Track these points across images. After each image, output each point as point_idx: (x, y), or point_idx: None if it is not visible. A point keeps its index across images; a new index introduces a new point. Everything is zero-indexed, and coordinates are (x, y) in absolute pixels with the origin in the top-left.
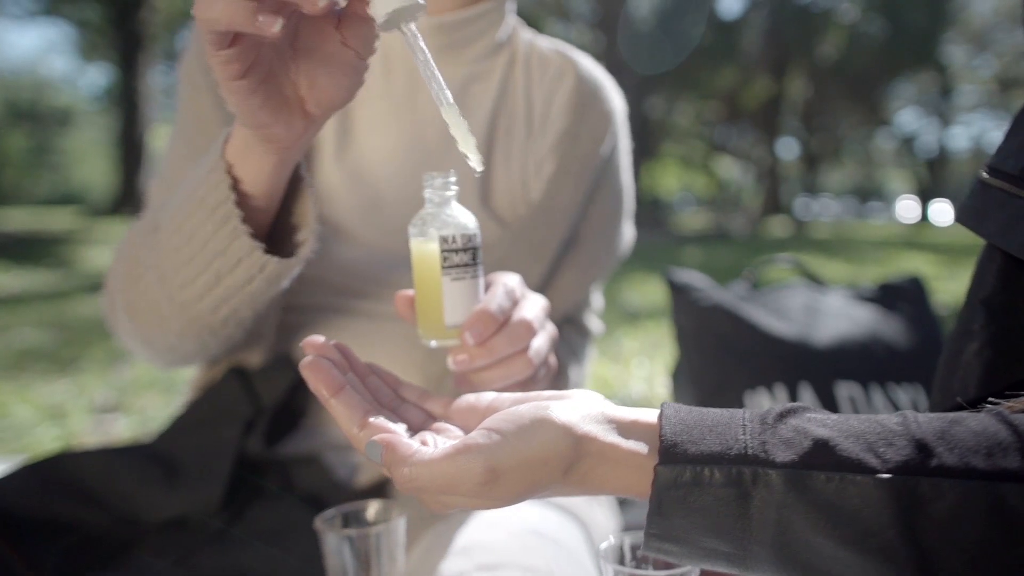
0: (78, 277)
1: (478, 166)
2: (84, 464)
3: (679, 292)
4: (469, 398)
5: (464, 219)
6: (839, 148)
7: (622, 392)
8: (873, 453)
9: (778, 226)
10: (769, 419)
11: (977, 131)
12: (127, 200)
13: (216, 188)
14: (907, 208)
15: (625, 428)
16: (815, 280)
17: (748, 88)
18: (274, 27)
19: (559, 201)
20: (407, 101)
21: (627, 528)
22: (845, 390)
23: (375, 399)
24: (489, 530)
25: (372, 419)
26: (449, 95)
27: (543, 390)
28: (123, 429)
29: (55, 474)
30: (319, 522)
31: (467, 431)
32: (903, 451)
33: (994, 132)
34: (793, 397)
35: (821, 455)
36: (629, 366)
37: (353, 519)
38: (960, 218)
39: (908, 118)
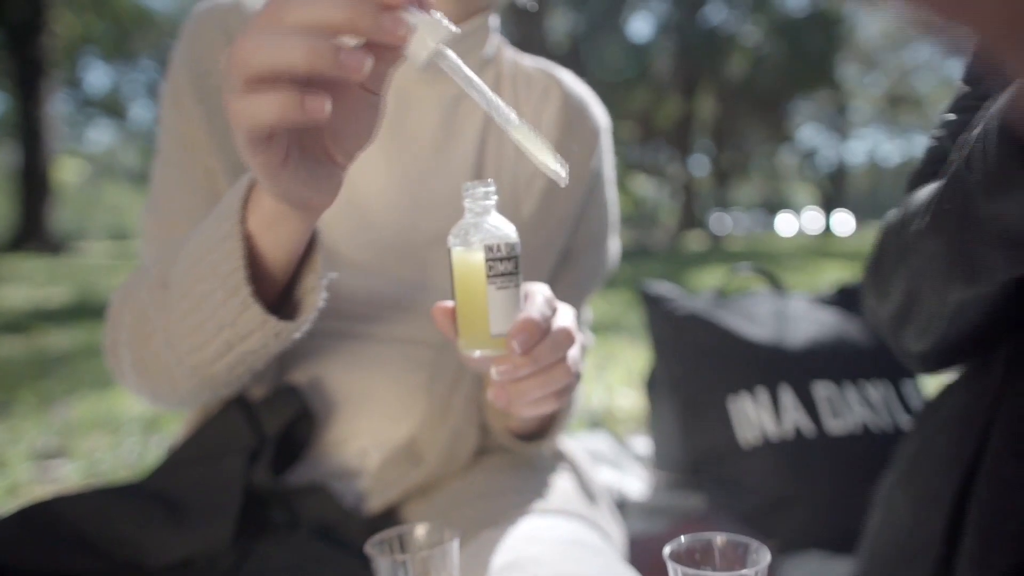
0: None
1: (562, 174)
2: (77, 508)
3: (654, 303)
4: None
5: (506, 228)
6: (747, 163)
7: (584, 405)
8: None
9: (695, 240)
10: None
11: (871, 145)
12: (31, 235)
13: (228, 257)
14: (811, 219)
15: None
16: (777, 286)
17: (660, 108)
18: (324, 106)
19: (552, 216)
20: (394, 123)
21: (631, 534)
22: (822, 390)
23: None
24: (531, 545)
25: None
26: (514, 115)
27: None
28: (71, 473)
29: (46, 521)
30: (369, 547)
31: None
32: None
33: (886, 145)
34: (774, 399)
35: None
36: (587, 379)
37: (400, 543)
38: None
39: (809, 134)
